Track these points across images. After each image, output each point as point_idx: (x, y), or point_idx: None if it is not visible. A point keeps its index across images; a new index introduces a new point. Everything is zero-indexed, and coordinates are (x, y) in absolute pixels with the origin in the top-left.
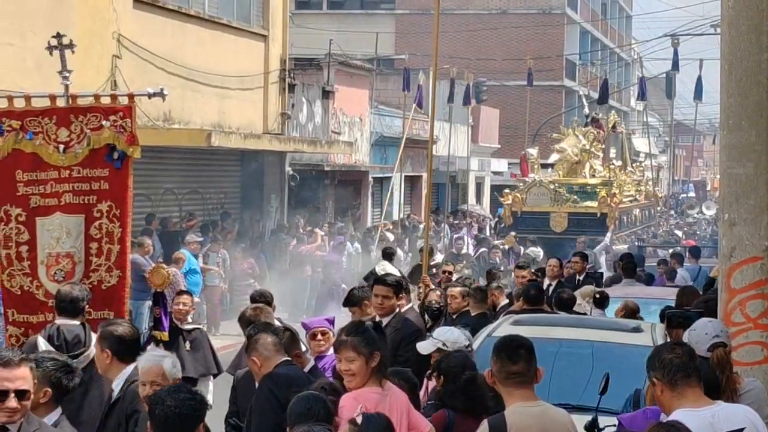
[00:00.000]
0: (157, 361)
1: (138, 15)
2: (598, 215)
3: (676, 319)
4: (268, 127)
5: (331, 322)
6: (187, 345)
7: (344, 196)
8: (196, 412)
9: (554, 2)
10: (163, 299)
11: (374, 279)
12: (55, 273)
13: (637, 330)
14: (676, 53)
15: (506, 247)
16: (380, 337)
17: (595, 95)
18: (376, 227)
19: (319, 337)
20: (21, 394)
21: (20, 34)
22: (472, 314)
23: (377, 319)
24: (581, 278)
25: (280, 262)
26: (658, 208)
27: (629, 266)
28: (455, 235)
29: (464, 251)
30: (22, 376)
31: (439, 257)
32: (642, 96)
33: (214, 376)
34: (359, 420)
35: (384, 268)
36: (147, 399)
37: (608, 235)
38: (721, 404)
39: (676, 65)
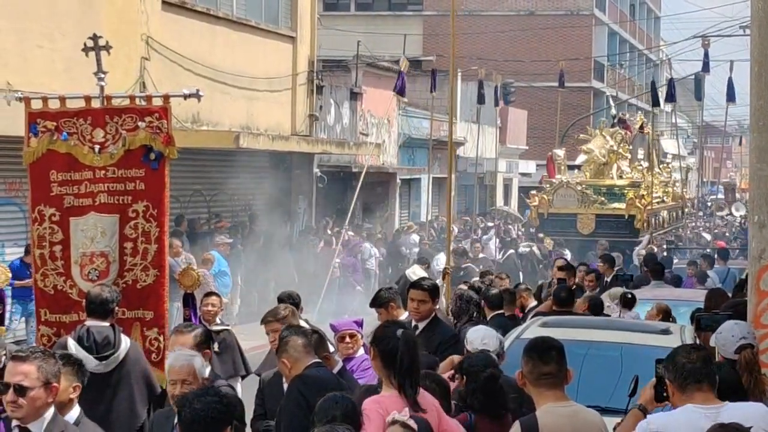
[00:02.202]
0: (188, 360)
1: (166, 17)
2: (626, 217)
3: (705, 321)
4: (296, 128)
5: (360, 324)
6: (216, 346)
7: (372, 197)
8: (222, 416)
9: (582, 3)
10: (192, 300)
11: (410, 284)
12: (89, 272)
13: (666, 332)
14: (706, 54)
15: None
16: (415, 343)
17: (624, 96)
18: (410, 227)
19: (348, 339)
20: (20, 390)
21: (49, 36)
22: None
23: (413, 323)
24: (608, 280)
25: (308, 263)
26: (686, 210)
27: (657, 268)
28: (473, 237)
29: (481, 255)
30: (23, 372)
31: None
32: (671, 98)
33: (243, 377)
34: (412, 423)
35: (415, 271)
36: (176, 400)
37: (646, 237)
38: (727, 405)
39: (706, 67)
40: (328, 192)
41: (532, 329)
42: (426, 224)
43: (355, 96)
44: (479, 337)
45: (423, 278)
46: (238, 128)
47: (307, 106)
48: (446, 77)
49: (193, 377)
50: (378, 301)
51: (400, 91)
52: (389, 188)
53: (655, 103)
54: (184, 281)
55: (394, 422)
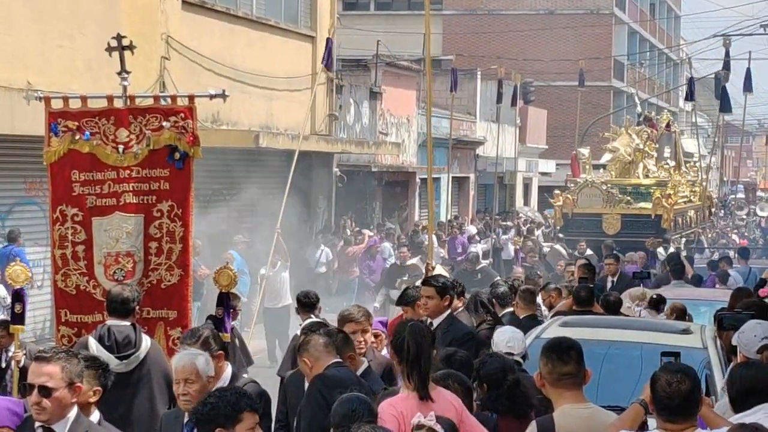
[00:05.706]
0: (191, 359)
1: (186, 17)
2: (653, 217)
3: (727, 321)
4: (315, 128)
5: (385, 324)
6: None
7: (392, 196)
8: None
9: (602, 2)
10: (227, 300)
11: (422, 280)
12: (114, 272)
13: (686, 332)
14: (727, 54)
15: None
16: (423, 333)
17: (645, 95)
18: (425, 228)
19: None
20: (44, 391)
21: (70, 36)
22: (521, 317)
23: (428, 321)
24: (615, 280)
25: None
26: (713, 210)
27: (677, 268)
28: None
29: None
30: (47, 373)
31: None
32: (691, 97)
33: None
34: (439, 429)
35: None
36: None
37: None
38: None
39: (727, 66)
40: (347, 191)
41: (552, 329)
42: (445, 224)
43: (374, 95)
44: (504, 339)
45: (435, 275)
46: (257, 128)
47: (327, 105)
48: (465, 76)
49: (196, 376)
50: (405, 300)
51: (328, 65)
52: (409, 188)
53: (725, 108)
54: (220, 280)
55: (420, 427)
